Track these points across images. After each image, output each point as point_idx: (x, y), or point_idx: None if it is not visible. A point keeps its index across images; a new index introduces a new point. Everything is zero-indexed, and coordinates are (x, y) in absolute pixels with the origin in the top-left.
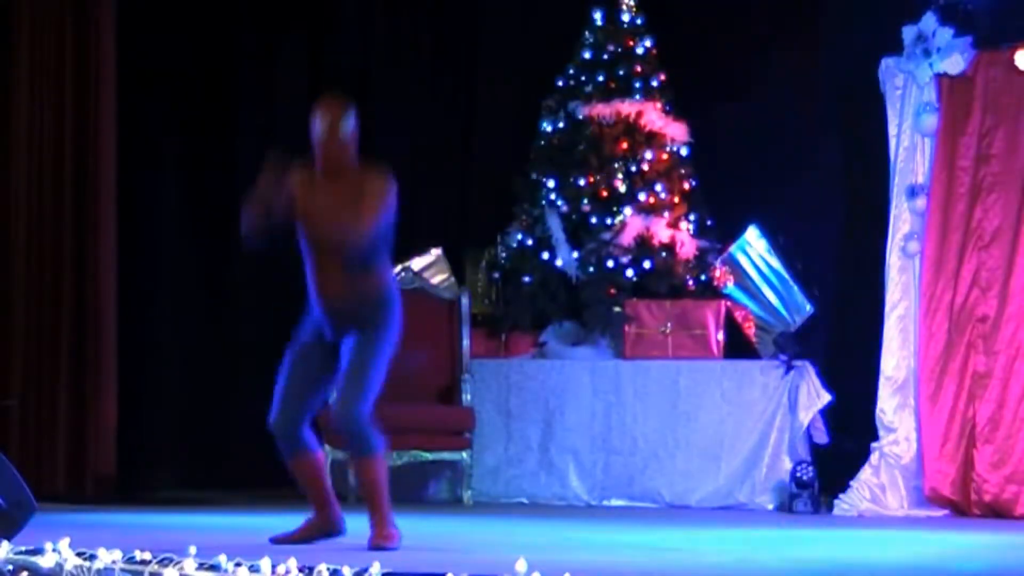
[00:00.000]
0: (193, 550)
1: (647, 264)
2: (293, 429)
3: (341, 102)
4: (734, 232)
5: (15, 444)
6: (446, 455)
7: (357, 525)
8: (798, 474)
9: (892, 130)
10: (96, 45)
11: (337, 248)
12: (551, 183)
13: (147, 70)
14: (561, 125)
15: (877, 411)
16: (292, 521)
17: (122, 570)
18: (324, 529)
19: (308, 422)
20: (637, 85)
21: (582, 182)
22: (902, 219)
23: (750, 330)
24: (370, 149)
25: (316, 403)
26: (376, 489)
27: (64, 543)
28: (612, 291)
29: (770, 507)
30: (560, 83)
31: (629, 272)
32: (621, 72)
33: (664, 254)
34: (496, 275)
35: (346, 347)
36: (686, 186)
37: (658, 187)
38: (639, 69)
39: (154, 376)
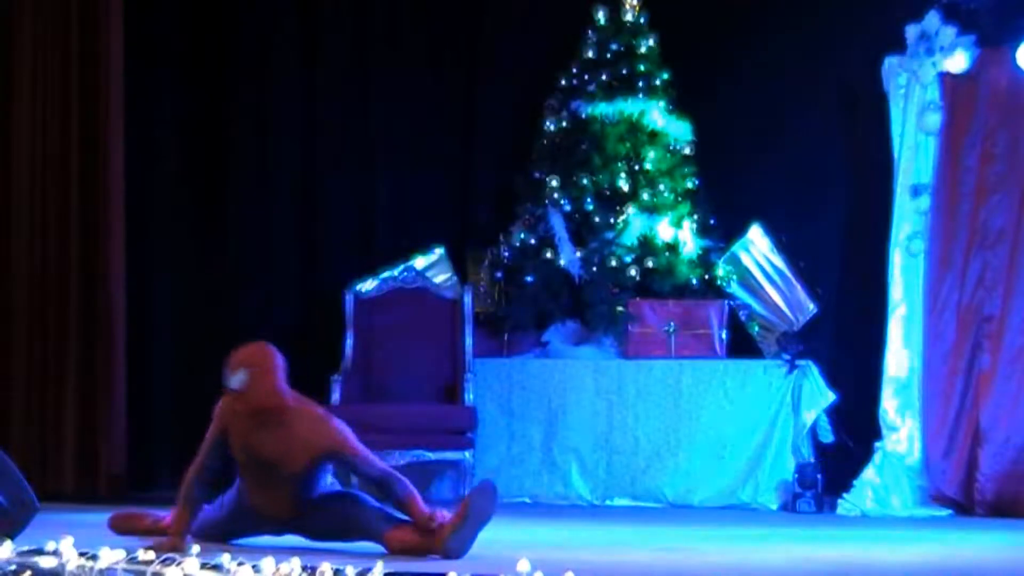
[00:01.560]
0: (196, 549)
1: (650, 263)
2: None
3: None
4: (737, 231)
5: (23, 443)
6: (448, 454)
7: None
8: (801, 474)
9: (895, 129)
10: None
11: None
12: (554, 182)
13: (152, 63)
14: (564, 124)
15: (880, 410)
16: None
17: (124, 570)
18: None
19: None
20: (640, 84)
21: (585, 181)
22: (906, 218)
23: (753, 329)
24: (371, 148)
25: None
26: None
27: (67, 543)
28: (615, 290)
29: (773, 507)
30: (563, 81)
31: (632, 271)
32: (624, 71)
33: (667, 253)
34: (499, 274)
35: None
36: (689, 185)
37: (661, 186)
38: (642, 68)
39: (163, 375)
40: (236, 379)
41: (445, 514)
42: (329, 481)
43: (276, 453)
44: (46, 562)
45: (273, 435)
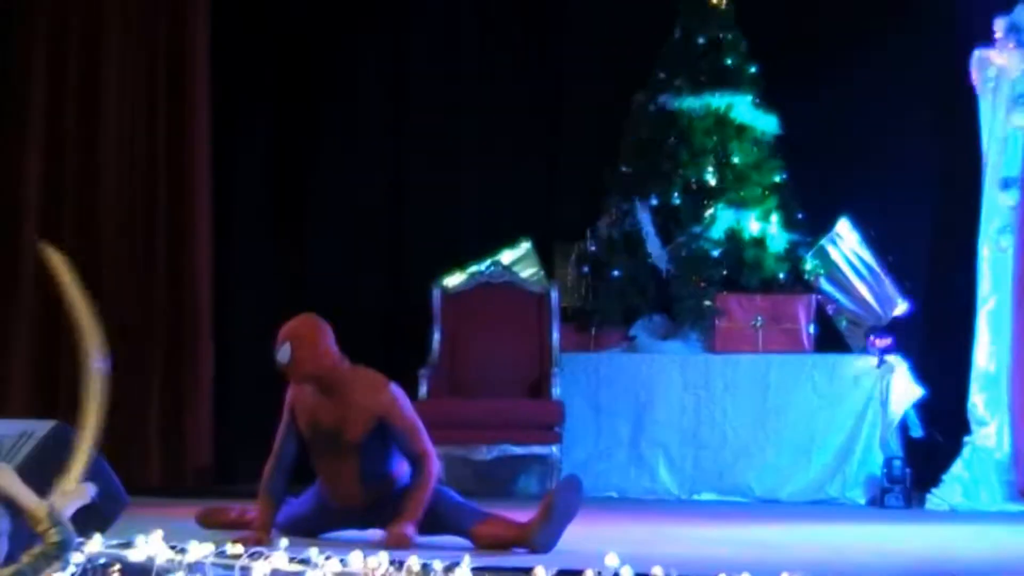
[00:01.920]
0: (285, 543)
1: (737, 258)
2: None
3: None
4: (825, 225)
5: (111, 437)
6: (535, 449)
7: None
8: (889, 469)
9: (984, 122)
10: (191, 32)
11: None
12: (641, 176)
13: (238, 65)
14: (651, 118)
15: (969, 405)
16: None
17: (213, 564)
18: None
19: None
20: (728, 77)
21: (672, 175)
22: (995, 212)
23: (842, 324)
24: (457, 143)
25: None
26: None
27: (156, 536)
28: (702, 284)
29: (861, 502)
30: (650, 76)
31: (719, 266)
32: (711, 64)
33: (754, 247)
34: (585, 268)
35: None
36: (776, 179)
37: (748, 180)
38: (729, 61)
39: (247, 369)
40: (281, 353)
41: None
42: (408, 471)
43: (336, 420)
44: (135, 555)
45: (331, 402)
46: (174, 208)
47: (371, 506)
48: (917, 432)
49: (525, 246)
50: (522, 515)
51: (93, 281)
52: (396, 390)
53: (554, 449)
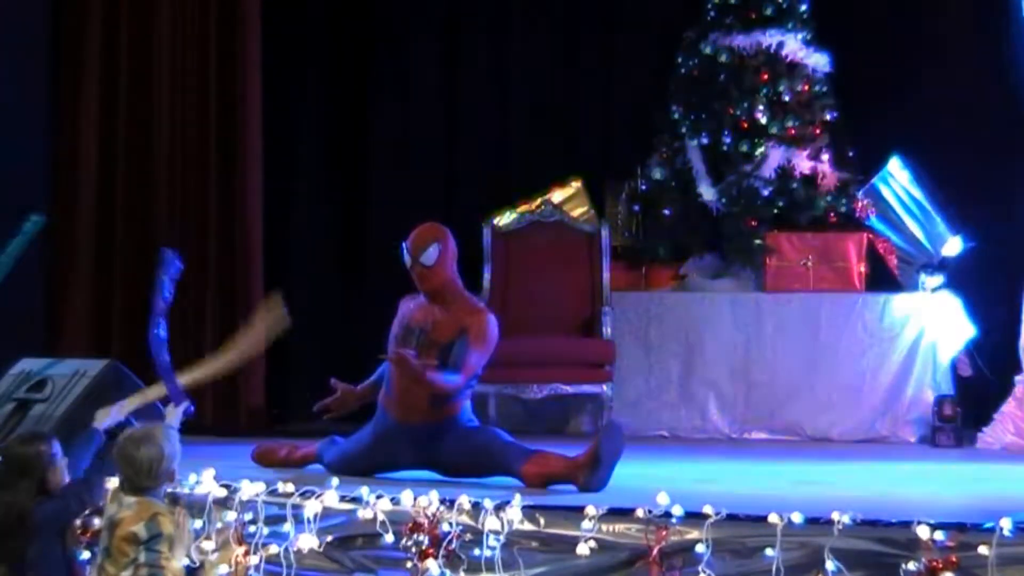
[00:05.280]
0: (336, 482)
1: (788, 196)
2: None
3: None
4: (876, 163)
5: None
6: (587, 388)
7: None
8: (940, 407)
9: None
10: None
11: None
12: (692, 115)
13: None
14: (701, 56)
15: (1021, 343)
16: None
17: (265, 502)
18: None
19: None
20: (778, 15)
21: (723, 113)
22: None
23: (892, 262)
24: (507, 82)
25: None
26: None
27: (208, 474)
28: (753, 223)
29: (912, 440)
30: (700, 14)
31: (770, 204)
32: (762, 2)
33: (805, 185)
34: (636, 207)
35: None
36: (828, 117)
37: (799, 118)
38: None
39: (300, 308)
40: (428, 254)
41: None
42: (468, 415)
43: (429, 319)
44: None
45: (433, 307)
46: (226, 145)
47: (427, 433)
48: (968, 371)
49: (576, 185)
50: (573, 454)
51: (147, 229)
52: (492, 319)
53: (605, 388)
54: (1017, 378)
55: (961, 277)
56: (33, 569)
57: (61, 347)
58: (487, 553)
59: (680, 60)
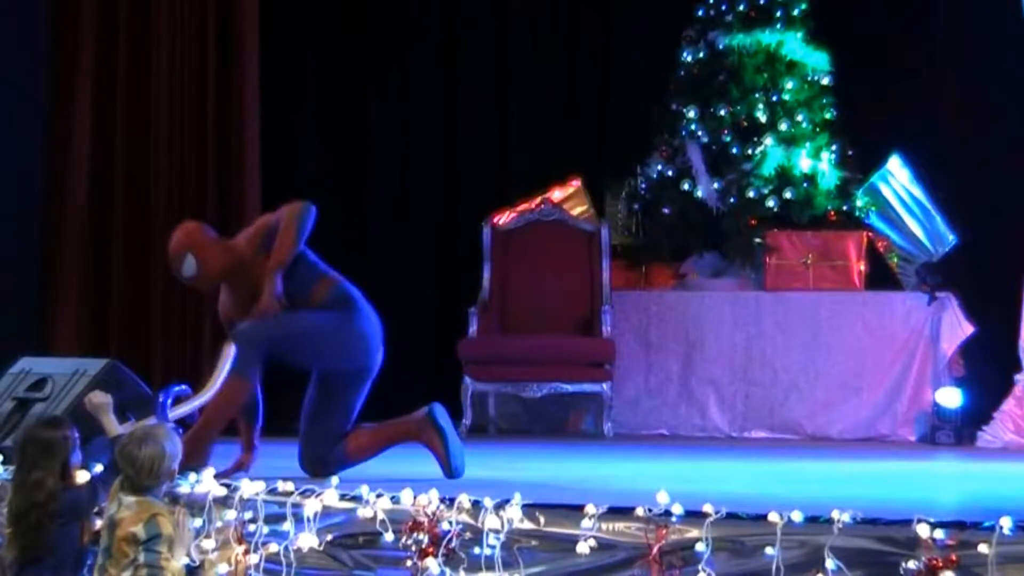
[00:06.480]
0: (336, 481)
1: (788, 195)
2: None
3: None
4: (876, 162)
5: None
6: (586, 387)
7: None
8: (940, 406)
9: None
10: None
11: None
12: (691, 113)
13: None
14: (701, 55)
15: (1021, 342)
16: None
17: (265, 501)
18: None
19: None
20: (778, 14)
21: (722, 112)
22: None
23: (892, 261)
24: (507, 81)
25: None
26: None
27: (208, 473)
28: (753, 222)
29: (912, 439)
30: (700, 12)
31: (770, 203)
32: (762, 1)
33: (805, 184)
34: (636, 206)
35: None
36: (827, 116)
37: (799, 117)
38: None
39: None
40: (187, 266)
41: None
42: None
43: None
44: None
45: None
46: (224, 144)
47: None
48: (961, 372)
49: (575, 184)
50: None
51: (144, 216)
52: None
53: (605, 387)
54: (1017, 376)
55: (960, 276)
56: (51, 553)
57: (56, 346)
58: (487, 552)
59: (680, 58)
